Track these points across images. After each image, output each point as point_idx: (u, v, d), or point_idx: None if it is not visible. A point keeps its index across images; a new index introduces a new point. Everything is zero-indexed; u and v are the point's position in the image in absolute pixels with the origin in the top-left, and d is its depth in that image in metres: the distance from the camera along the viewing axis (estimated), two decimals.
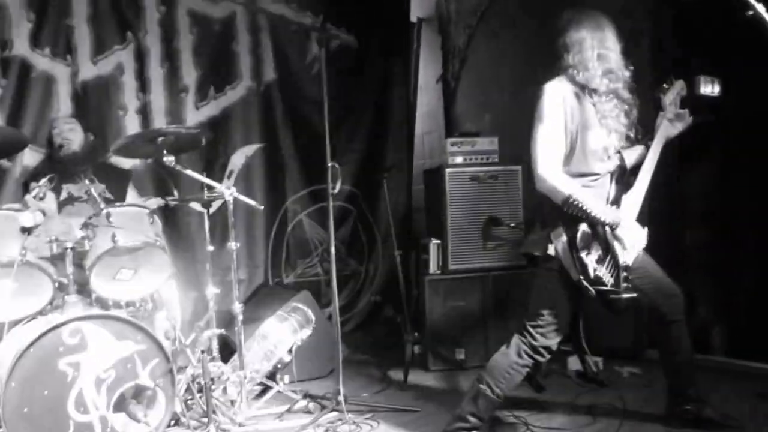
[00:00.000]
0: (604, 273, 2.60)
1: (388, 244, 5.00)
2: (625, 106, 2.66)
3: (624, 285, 2.64)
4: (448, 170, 4.16)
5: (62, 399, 2.67)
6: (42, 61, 3.95)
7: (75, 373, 2.71)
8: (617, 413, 3.09)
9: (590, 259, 2.58)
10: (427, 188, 4.53)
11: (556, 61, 2.69)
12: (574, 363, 3.86)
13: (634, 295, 2.64)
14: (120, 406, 2.79)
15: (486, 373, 2.73)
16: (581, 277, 2.56)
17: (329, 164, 3.33)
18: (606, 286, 2.60)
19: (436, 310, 4.14)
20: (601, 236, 2.62)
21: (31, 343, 2.63)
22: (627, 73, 2.67)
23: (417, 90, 5.52)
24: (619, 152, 2.74)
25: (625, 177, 2.75)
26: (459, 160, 4.24)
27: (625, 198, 2.69)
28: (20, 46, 3.89)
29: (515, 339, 2.70)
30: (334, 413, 3.27)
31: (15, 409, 2.57)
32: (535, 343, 2.66)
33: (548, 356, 2.72)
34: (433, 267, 4.22)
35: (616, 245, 2.63)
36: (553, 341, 2.68)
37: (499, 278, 4.15)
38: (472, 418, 2.70)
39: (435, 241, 4.21)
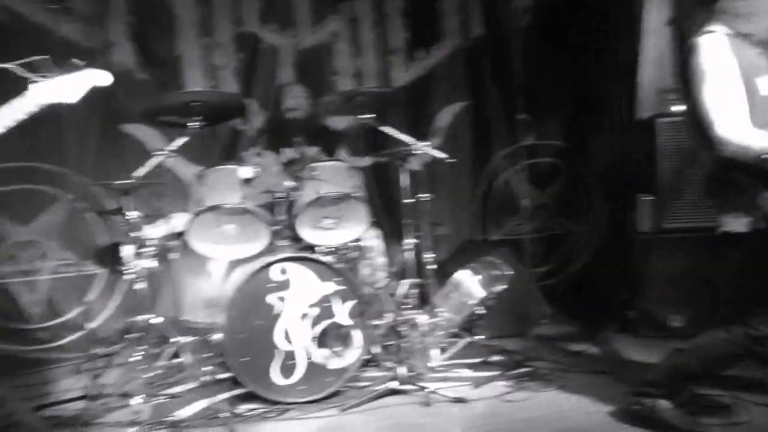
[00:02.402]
0: None
1: (604, 201, 4.74)
2: None
3: None
4: (662, 120, 3.81)
5: (271, 329, 3.04)
6: (269, 35, 4.45)
7: (282, 307, 3.06)
8: None
9: None
10: (640, 140, 4.18)
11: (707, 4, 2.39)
12: None
13: None
14: (320, 340, 3.09)
15: (693, 350, 2.46)
16: None
17: (520, 116, 3.28)
18: None
19: (649, 273, 3.84)
20: None
21: (246, 279, 3.03)
22: None
23: (642, 34, 5.06)
24: None
25: None
26: (677, 108, 3.84)
27: None
28: (251, 23, 4.41)
29: (736, 329, 2.36)
30: (525, 368, 3.27)
31: (235, 334, 3.01)
32: (758, 334, 2.31)
33: None
34: (645, 225, 3.91)
35: None
36: None
37: (721, 238, 3.68)
38: (662, 388, 2.49)
39: (647, 198, 3.89)
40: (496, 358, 3.50)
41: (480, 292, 3.56)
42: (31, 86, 1.86)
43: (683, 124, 3.67)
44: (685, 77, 2.39)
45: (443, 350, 3.52)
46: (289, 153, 3.87)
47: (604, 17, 4.80)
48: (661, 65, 5.03)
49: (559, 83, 4.78)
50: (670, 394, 2.47)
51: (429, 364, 3.34)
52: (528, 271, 3.96)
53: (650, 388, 2.51)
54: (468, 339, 3.64)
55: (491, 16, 4.78)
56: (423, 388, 3.01)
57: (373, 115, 3.48)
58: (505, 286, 3.68)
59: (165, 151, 3.16)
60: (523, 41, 4.27)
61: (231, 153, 4.33)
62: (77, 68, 1.93)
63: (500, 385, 3.13)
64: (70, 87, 1.91)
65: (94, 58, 3.95)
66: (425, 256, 3.53)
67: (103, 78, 1.99)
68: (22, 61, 1.86)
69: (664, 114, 3.86)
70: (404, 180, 3.50)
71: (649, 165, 3.89)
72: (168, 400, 3.09)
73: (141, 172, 3.17)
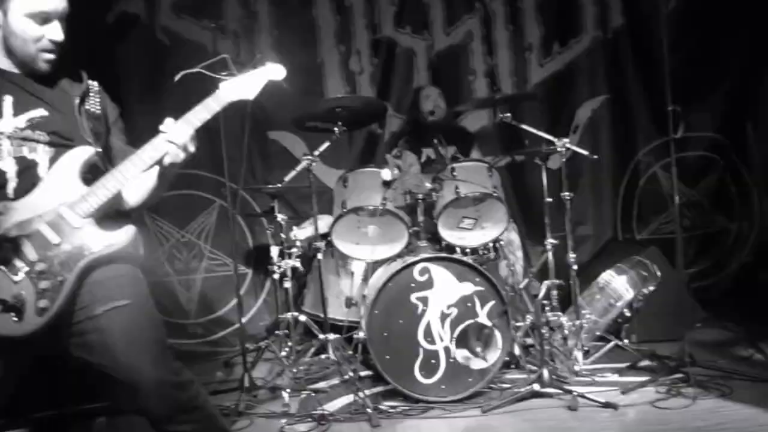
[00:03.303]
0: None
1: (764, 196, 4.36)
2: None
3: None
4: None
5: (413, 328, 3.07)
6: (404, 39, 4.51)
7: (423, 307, 3.09)
8: None
9: None
10: None
11: None
12: None
13: None
14: (461, 340, 3.07)
15: None
16: None
17: (670, 107, 3.09)
18: None
19: None
20: None
21: (389, 278, 3.09)
22: None
23: None
24: None
25: None
26: None
27: None
28: (386, 28, 4.50)
29: None
30: (679, 374, 3.05)
31: (378, 332, 3.07)
32: None
33: None
34: None
35: None
36: None
37: None
38: None
39: None
40: (645, 362, 3.32)
41: (627, 294, 3.40)
42: (221, 85, 1.88)
43: None
44: None
45: (587, 353, 3.39)
46: (427, 154, 3.91)
47: None
48: None
49: (712, 70, 4.46)
50: None
51: (574, 368, 3.23)
52: (679, 272, 3.70)
53: None
54: (614, 342, 3.48)
55: (632, 4, 4.55)
56: (569, 391, 2.92)
57: (509, 114, 3.44)
58: (654, 288, 3.49)
59: (311, 156, 3.29)
60: (669, 27, 3.98)
61: (368, 156, 4.44)
62: (258, 64, 1.93)
63: (651, 392, 2.96)
64: (251, 83, 1.92)
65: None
66: (567, 256, 3.42)
67: (277, 72, 1.94)
68: (207, 63, 1.89)
69: None
70: (544, 178, 3.42)
71: None
72: (314, 394, 3.21)
73: (289, 176, 3.34)
